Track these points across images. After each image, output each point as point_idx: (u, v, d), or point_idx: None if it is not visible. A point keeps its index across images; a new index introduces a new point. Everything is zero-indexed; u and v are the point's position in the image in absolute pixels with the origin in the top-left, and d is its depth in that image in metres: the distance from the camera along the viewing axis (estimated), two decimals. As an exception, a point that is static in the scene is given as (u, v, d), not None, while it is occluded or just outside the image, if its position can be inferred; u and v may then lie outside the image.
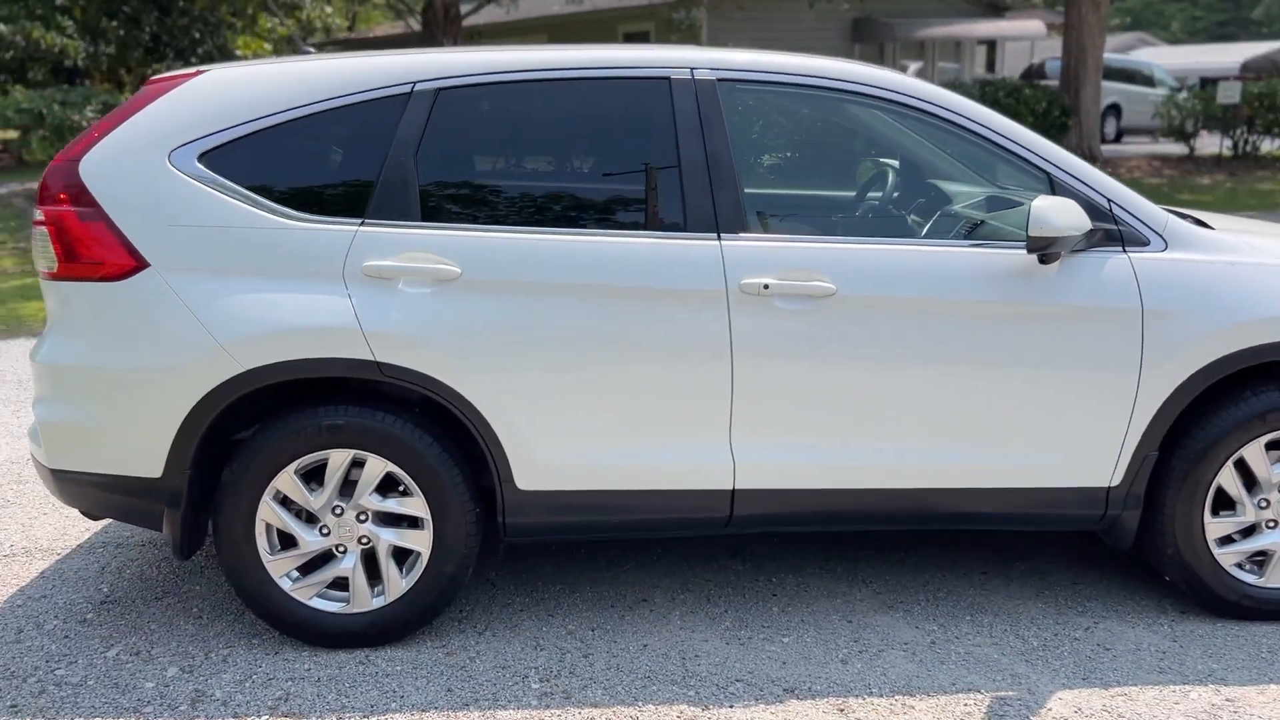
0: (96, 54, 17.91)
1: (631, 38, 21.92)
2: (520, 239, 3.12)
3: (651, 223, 3.21)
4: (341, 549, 3.23)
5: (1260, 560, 3.38)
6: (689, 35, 19.49)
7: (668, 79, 3.21)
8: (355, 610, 3.25)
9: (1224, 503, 3.33)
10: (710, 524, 3.29)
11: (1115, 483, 3.26)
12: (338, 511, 3.19)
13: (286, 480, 3.16)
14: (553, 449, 3.16)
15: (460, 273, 3.07)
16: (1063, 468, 3.25)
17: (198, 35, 19.09)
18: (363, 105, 3.17)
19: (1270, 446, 3.29)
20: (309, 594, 3.25)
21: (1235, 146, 18.10)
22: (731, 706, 2.97)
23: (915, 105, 3.25)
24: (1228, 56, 30.59)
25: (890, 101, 3.26)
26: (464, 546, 3.23)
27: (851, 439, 3.20)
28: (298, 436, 3.12)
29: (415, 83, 3.18)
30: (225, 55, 19.19)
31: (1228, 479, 3.29)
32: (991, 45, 25.36)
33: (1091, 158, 15.62)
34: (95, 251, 3.08)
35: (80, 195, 3.11)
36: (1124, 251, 3.20)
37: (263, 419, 3.20)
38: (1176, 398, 3.20)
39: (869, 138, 3.90)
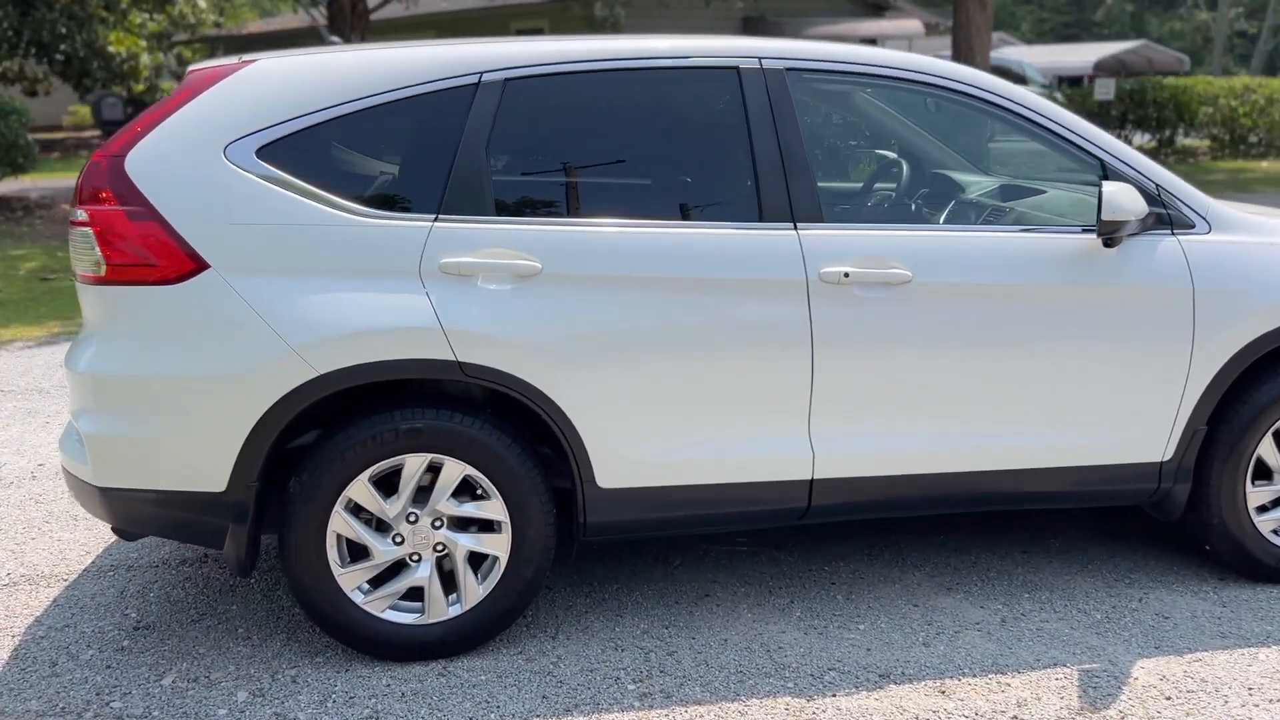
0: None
1: (523, 34, 21.75)
2: (601, 232, 3.05)
3: (728, 213, 3.19)
4: (415, 557, 3.10)
5: (1293, 526, 3.56)
6: (588, 33, 19.43)
7: (736, 69, 3.19)
8: (431, 620, 3.13)
9: (1262, 473, 3.50)
10: (788, 515, 3.29)
11: (1168, 457, 3.39)
12: (412, 519, 3.07)
13: (360, 488, 3.02)
14: (634, 445, 3.11)
15: (541, 268, 2.99)
16: (1122, 445, 3.36)
17: (64, 30, 18.11)
18: (429, 96, 3.05)
19: (1304, 417, 3.46)
20: (382, 606, 3.12)
21: (1110, 141, 19.01)
22: (834, 695, 2.97)
23: (977, 95, 3.30)
24: (1081, 56, 32.16)
25: (953, 91, 3.31)
26: (543, 549, 3.14)
27: (925, 425, 3.24)
28: (373, 442, 2.98)
29: (482, 73, 3.08)
30: (95, 52, 18.26)
31: (1267, 450, 3.45)
32: (873, 44, 26.04)
33: (983, 152, 16.17)
34: (148, 253, 2.89)
35: (128, 194, 2.91)
36: (1173, 234, 3.33)
37: (322, 426, 3.06)
38: (1224, 373, 3.34)
39: (929, 126, 3.96)
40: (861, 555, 3.82)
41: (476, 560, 3.15)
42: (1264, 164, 18.86)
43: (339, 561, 3.06)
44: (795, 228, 3.13)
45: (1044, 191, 3.50)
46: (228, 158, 2.95)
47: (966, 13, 16.60)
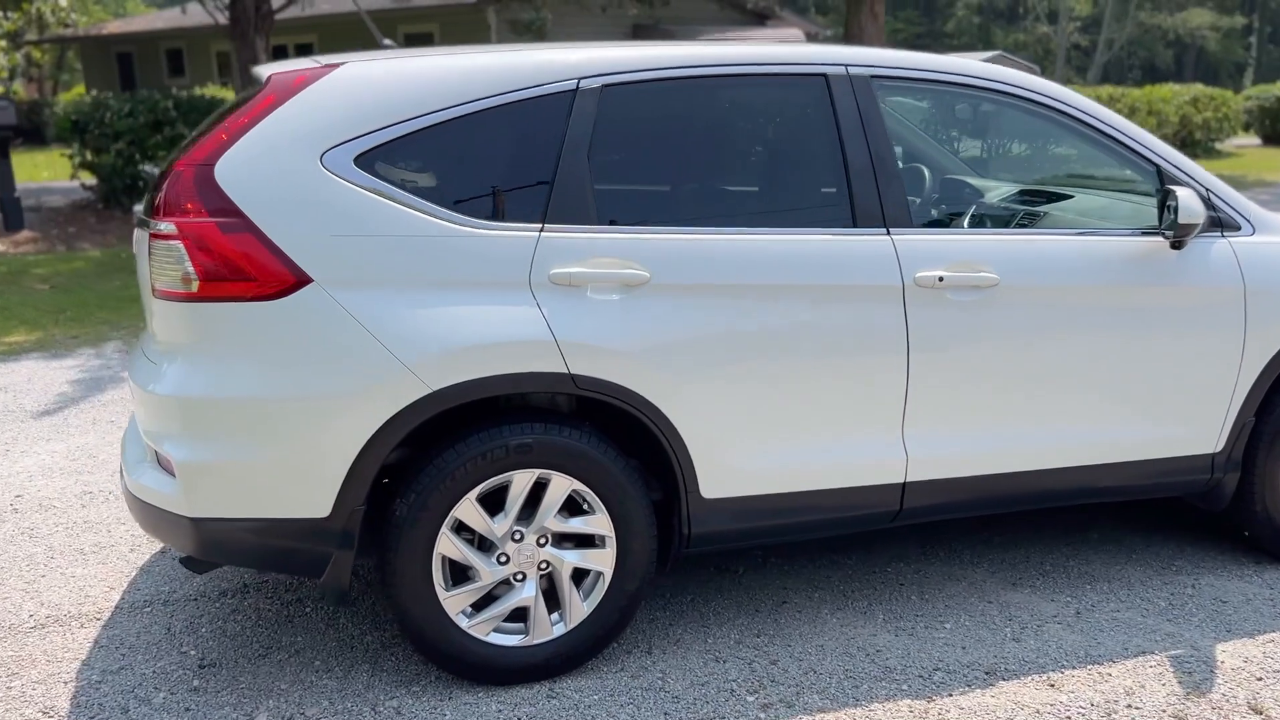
0: None
1: (413, 39, 21.33)
2: (706, 240, 3.02)
3: (822, 219, 3.19)
4: (519, 577, 3.01)
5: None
6: (481, 38, 19.21)
7: (825, 75, 3.20)
8: (536, 641, 3.04)
9: (1299, 462, 3.70)
10: (880, 519, 3.31)
11: (1219, 449, 3.55)
12: (517, 537, 2.98)
13: (468, 508, 2.91)
14: (737, 454, 3.09)
15: (650, 277, 2.94)
16: (1183, 438, 3.50)
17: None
18: (529, 103, 2.96)
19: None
20: (486, 630, 3.01)
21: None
22: (950, 695, 3.01)
23: (1047, 104, 3.39)
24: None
25: (1023, 99, 3.39)
26: (646, 562, 3.09)
27: (1011, 425, 3.32)
28: (482, 460, 2.88)
29: (580, 79, 3.01)
30: None
31: (1306, 439, 3.65)
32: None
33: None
34: (246, 268, 2.72)
35: (220, 205, 2.74)
36: (1223, 236, 3.49)
37: (410, 446, 2.94)
38: (1271, 367, 3.52)
39: (1003, 132, 4.05)
40: (918, 556, 3.88)
41: (577, 577, 3.08)
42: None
43: (444, 585, 2.94)
44: (888, 233, 3.16)
45: (1101, 197, 3.63)
46: (325, 166, 2.80)
47: (859, 23, 17.07)
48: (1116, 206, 3.80)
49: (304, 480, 2.79)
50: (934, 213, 3.95)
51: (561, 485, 2.97)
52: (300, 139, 2.81)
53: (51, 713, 2.95)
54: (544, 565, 3.02)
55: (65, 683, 3.11)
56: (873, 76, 3.24)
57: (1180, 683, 3.06)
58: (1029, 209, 3.98)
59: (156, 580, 3.75)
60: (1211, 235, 3.47)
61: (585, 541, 3.06)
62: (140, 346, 3.22)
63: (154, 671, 3.16)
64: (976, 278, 3.20)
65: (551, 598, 3.06)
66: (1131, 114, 20.62)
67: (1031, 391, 3.31)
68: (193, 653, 3.26)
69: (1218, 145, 23.36)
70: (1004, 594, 3.60)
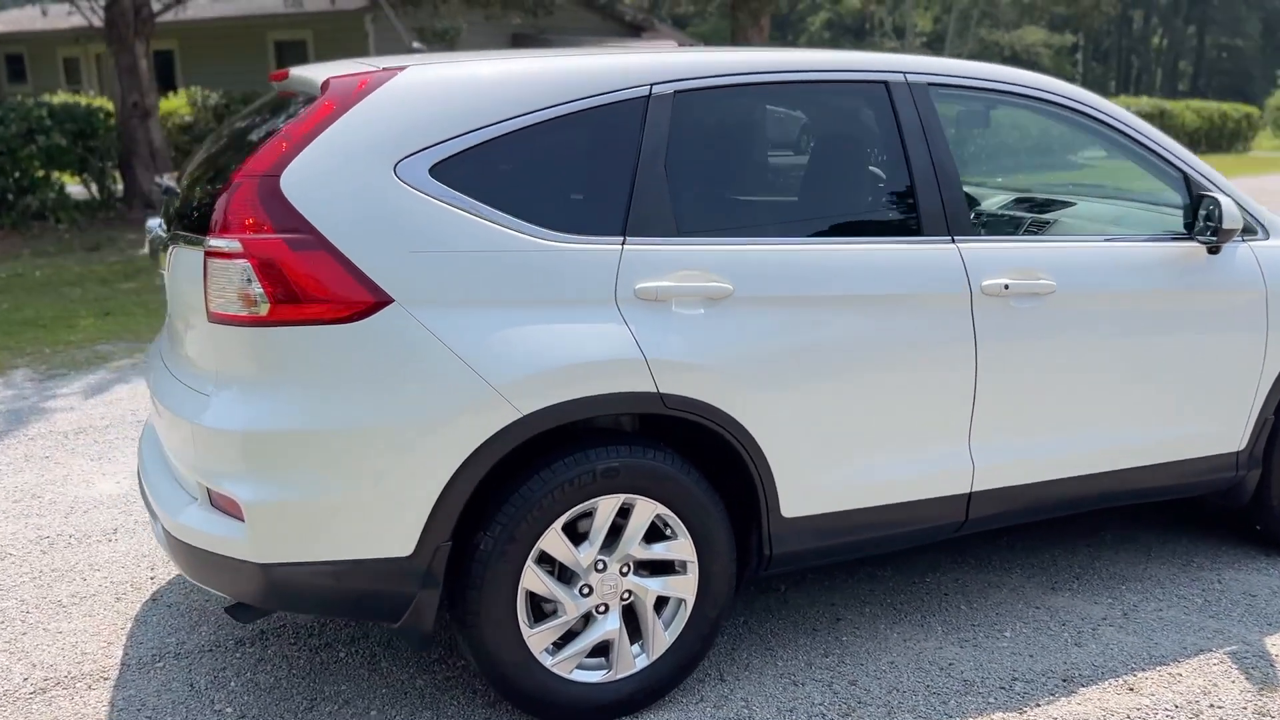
0: None
1: (284, 46, 20.57)
2: (786, 251, 2.93)
3: (890, 229, 3.15)
4: (602, 609, 2.85)
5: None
6: (358, 46, 18.66)
7: (886, 83, 3.15)
8: (620, 676, 2.88)
9: (1305, 457, 3.84)
10: (945, 530, 3.28)
11: (1243, 446, 3.66)
12: (600, 567, 2.82)
13: (553, 538, 2.74)
14: (816, 470, 3.00)
15: (733, 290, 2.83)
16: (1214, 436, 3.59)
17: None
18: (603, 110, 2.82)
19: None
20: (569, 667, 2.84)
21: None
22: (1038, 705, 2.99)
23: (1093, 115, 3.43)
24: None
25: (1069, 108, 3.42)
26: (728, 587, 2.98)
27: (1068, 430, 3.33)
28: (570, 486, 2.71)
29: (652, 84, 2.88)
30: None
31: (1315, 435, 3.80)
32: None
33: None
34: (320, 289, 2.49)
35: (289, 220, 2.50)
36: (1244, 241, 3.60)
37: (494, 474, 2.75)
38: (1288, 367, 3.65)
39: (1054, 139, 4.06)
40: (951, 564, 3.87)
41: (658, 606, 2.94)
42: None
43: (527, 622, 2.76)
44: (953, 241, 3.14)
45: (1135, 203, 3.71)
46: (399, 177, 2.59)
47: (745, 36, 17.33)
48: (1130, 214, 3.88)
49: (386, 517, 2.57)
50: (1037, 218, 3.97)
51: (646, 510, 2.83)
52: (371, 148, 2.59)
53: (89, 789, 2.64)
54: (625, 595, 2.87)
55: (93, 753, 2.80)
56: (930, 84, 3.21)
57: (1249, 679, 3.12)
58: (1036, 217, 4.03)
59: (158, 631, 3.42)
60: (1236, 240, 3.58)
61: (663, 568, 2.93)
62: (167, 372, 2.94)
63: (192, 734, 2.87)
64: (1036, 285, 3.20)
65: (630, 629, 2.91)
66: (996, 125, 21.48)
67: (1085, 397, 3.34)
68: (229, 710, 2.98)
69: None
70: (1047, 599, 3.61)
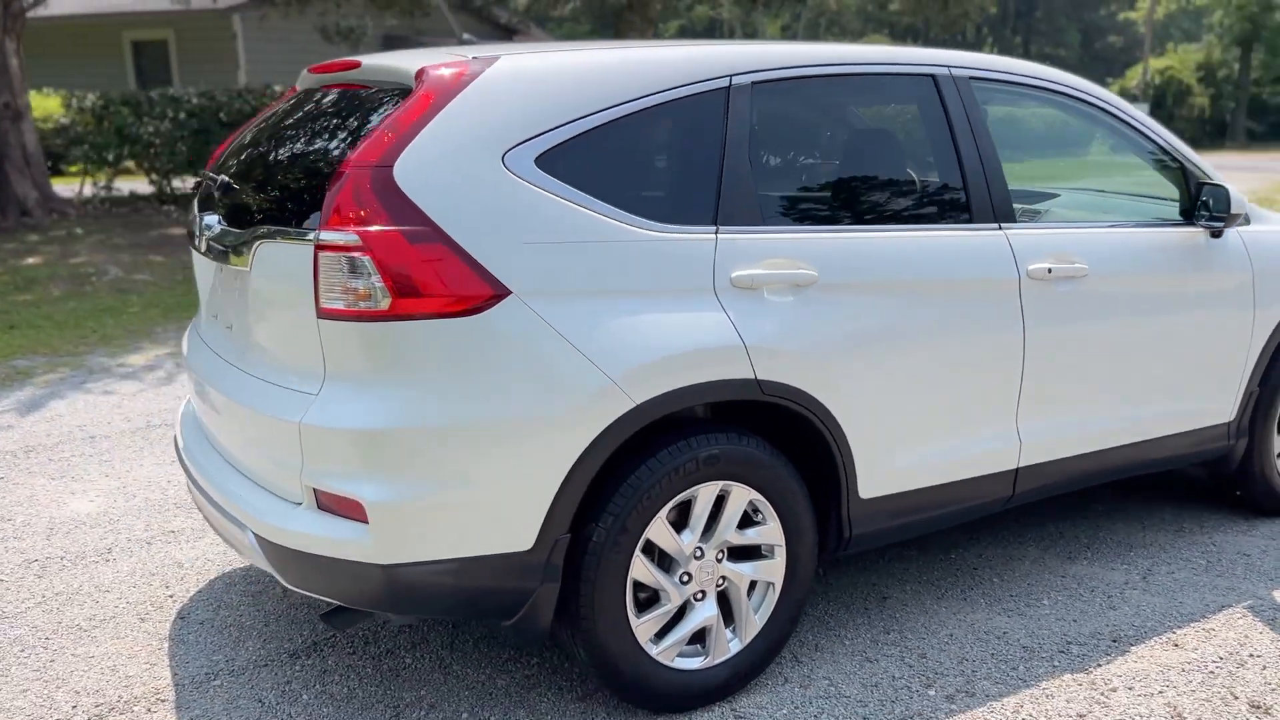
0: None
1: (142, 46, 19.60)
2: (864, 238, 3.01)
3: (945, 216, 3.26)
4: (700, 595, 2.87)
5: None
6: (224, 47, 17.98)
7: (933, 77, 3.28)
8: (717, 661, 2.91)
9: (1282, 426, 4.16)
10: (994, 505, 3.42)
11: (1232, 417, 3.94)
12: (698, 554, 2.84)
13: (659, 527, 2.75)
14: (892, 452, 3.10)
15: (818, 277, 2.90)
16: (1211, 409, 3.85)
17: None
18: (689, 100, 2.84)
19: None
20: (672, 655, 2.85)
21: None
22: (1100, 665, 3.15)
23: (1106, 109, 3.65)
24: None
25: (1091, 105, 3.62)
26: (812, 569, 3.04)
27: (1101, 404, 3.53)
28: (676, 474, 2.73)
29: (732, 75, 2.92)
30: None
31: (1291, 404, 4.12)
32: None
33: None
34: (441, 282, 2.44)
35: (403, 211, 2.44)
36: (1233, 227, 3.87)
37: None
38: (1271, 341, 3.94)
39: (1078, 133, 4.23)
40: (969, 541, 4.03)
41: (749, 590, 2.98)
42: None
43: (634, 612, 2.76)
44: (1000, 227, 3.28)
45: (1140, 194, 3.96)
46: (509, 168, 2.56)
47: (634, 38, 17.42)
48: (1120, 202, 4.13)
49: (507, 511, 2.54)
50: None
51: (741, 496, 2.87)
52: (478, 139, 2.55)
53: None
54: (720, 581, 2.90)
55: (182, 777, 2.66)
56: (971, 78, 3.35)
57: (1274, 629, 3.36)
58: (1026, 207, 4.23)
59: (201, 650, 3.27)
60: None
61: (751, 553, 2.97)
62: (234, 369, 2.83)
63: (281, 750, 2.76)
64: (1073, 269, 3.38)
65: (722, 614, 2.94)
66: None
67: (1113, 373, 3.54)
68: (311, 723, 2.88)
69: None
70: (1068, 568, 3.81)
